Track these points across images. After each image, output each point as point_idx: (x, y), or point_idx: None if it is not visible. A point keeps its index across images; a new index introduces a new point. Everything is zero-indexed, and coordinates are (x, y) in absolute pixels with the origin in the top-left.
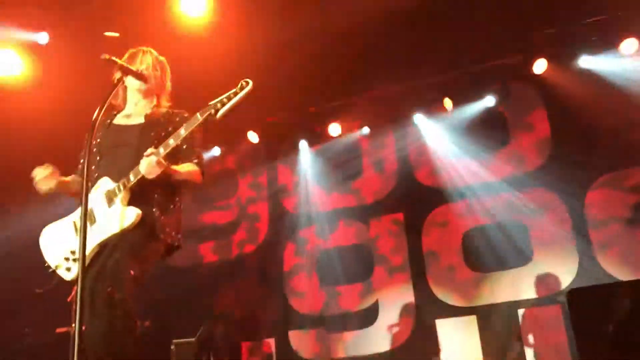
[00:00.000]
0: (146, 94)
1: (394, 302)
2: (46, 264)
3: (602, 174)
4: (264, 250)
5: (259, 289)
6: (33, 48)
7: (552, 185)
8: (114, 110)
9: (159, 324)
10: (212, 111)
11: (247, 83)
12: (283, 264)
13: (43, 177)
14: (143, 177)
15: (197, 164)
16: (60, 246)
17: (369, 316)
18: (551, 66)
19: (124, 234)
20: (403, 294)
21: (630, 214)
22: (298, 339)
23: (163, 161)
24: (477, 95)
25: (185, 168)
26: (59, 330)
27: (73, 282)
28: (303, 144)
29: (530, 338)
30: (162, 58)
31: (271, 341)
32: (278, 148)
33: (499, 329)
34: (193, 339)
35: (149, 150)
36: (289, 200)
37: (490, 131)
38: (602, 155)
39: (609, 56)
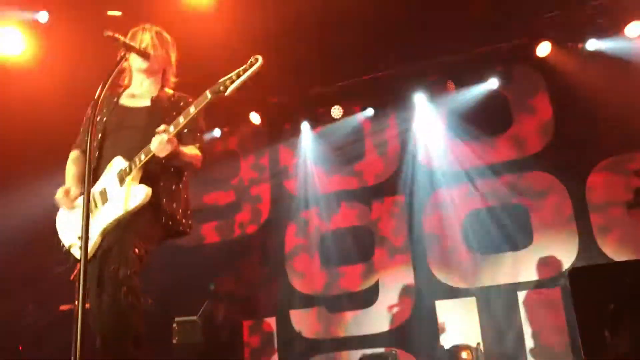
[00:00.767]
0: (150, 73)
1: (394, 283)
2: (61, 244)
3: (604, 157)
4: (266, 231)
5: (260, 269)
6: (35, 26)
7: (553, 168)
8: (120, 87)
9: (161, 302)
10: (222, 88)
11: (257, 60)
12: (284, 245)
13: (62, 199)
14: (153, 156)
15: (199, 148)
16: (74, 225)
17: (369, 296)
18: (555, 49)
19: (134, 214)
20: (403, 275)
21: (631, 198)
22: (299, 318)
23: (174, 139)
24: (480, 78)
25: (190, 151)
26: (62, 307)
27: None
28: (305, 126)
29: (530, 320)
30: (165, 34)
31: (272, 320)
32: (280, 129)
33: (499, 311)
34: (195, 317)
35: (161, 127)
36: (290, 182)
37: (492, 114)
38: (604, 138)
39: (614, 39)
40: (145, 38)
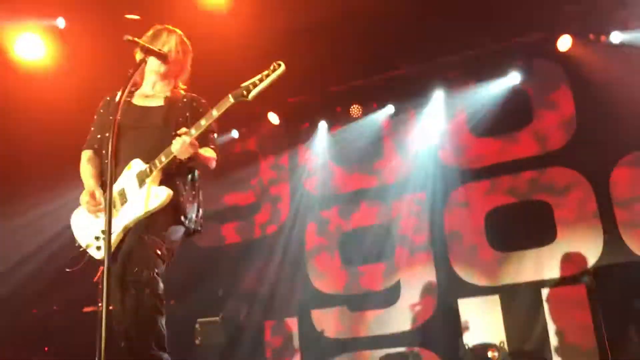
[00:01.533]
0: (165, 76)
1: (416, 281)
2: (77, 244)
3: (628, 152)
4: (286, 230)
5: (281, 269)
6: (54, 32)
7: (576, 163)
8: (133, 87)
9: (183, 303)
10: (245, 92)
11: (279, 65)
12: (305, 244)
13: (88, 203)
14: (174, 158)
15: (213, 149)
16: (91, 226)
17: (391, 295)
18: (576, 43)
19: (152, 214)
20: (425, 273)
21: None
22: (321, 318)
23: (195, 142)
24: (500, 73)
25: (206, 152)
26: (86, 309)
27: (102, 262)
28: (324, 125)
29: (554, 318)
30: (186, 40)
31: (294, 320)
32: (299, 129)
33: (523, 309)
34: (217, 318)
35: (182, 130)
36: (310, 181)
37: (513, 109)
38: (628, 133)
39: (638, 31)
40: (170, 41)
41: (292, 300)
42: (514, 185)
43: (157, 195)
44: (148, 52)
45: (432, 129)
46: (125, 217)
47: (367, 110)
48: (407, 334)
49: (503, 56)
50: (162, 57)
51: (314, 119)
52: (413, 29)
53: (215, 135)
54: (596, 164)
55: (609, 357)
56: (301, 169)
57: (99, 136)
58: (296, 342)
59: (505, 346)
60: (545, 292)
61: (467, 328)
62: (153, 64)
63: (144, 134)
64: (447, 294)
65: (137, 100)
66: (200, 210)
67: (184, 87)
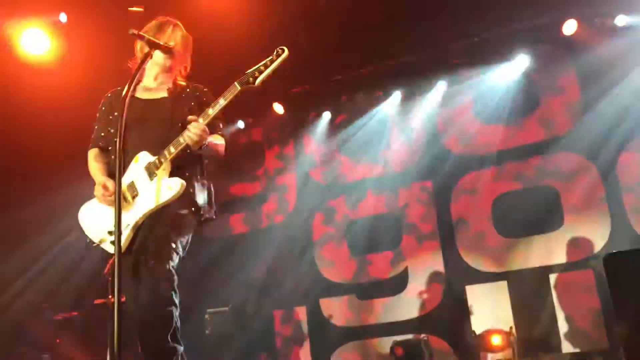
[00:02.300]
0: (167, 70)
1: (423, 269)
2: (88, 240)
3: (635, 136)
4: (294, 220)
5: (289, 259)
6: (57, 26)
7: (583, 149)
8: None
9: (193, 293)
10: (251, 79)
11: (283, 50)
12: (312, 234)
13: (102, 195)
14: (185, 147)
15: (221, 135)
16: (103, 220)
17: (399, 283)
18: (582, 27)
19: (164, 207)
20: (433, 261)
21: None
22: (329, 307)
23: (207, 129)
24: (506, 59)
25: (216, 140)
26: (97, 301)
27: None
28: (329, 114)
29: (562, 303)
30: (188, 35)
31: (303, 309)
32: (304, 118)
33: (531, 295)
34: (226, 308)
35: (192, 118)
36: (316, 171)
37: (519, 95)
38: (634, 117)
39: None
40: (176, 36)
41: (300, 290)
42: (520, 171)
43: (170, 187)
44: (154, 45)
45: (438, 116)
46: (138, 210)
47: (372, 98)
48: (416, 321)
49: (508, 42)
50: (168, 51)
51: (319, 108)
52: (417, 16)
53: (222, 124)
54: (603, 149)
55: (617, 342)
56: (307, 159)
57: (102, 134)
58: (305, 331)
59: (514, 331)
60: (553, 277)
61: (474, 314)
62: (158, 57)
63: (149, 126)
64: (454, 281)
65: (140, 93)
66: (213, 199)
67: (183, 82)
